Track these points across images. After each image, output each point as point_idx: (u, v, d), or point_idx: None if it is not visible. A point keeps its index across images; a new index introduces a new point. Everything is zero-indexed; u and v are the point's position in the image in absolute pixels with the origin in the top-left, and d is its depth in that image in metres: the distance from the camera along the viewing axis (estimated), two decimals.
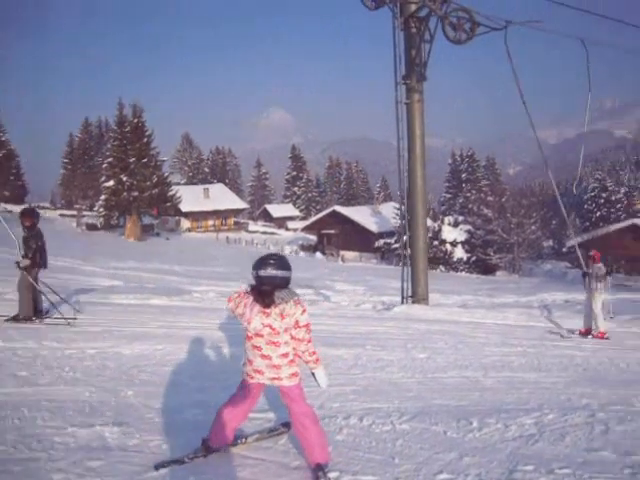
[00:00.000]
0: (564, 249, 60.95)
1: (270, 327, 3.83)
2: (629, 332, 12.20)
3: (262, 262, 3.82)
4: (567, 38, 14.74)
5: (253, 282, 3.87)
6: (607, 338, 11.23)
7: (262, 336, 3.87)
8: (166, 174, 55.22)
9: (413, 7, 14.69)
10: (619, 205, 67.24)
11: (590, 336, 11.48)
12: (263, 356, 3.89)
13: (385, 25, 15.12)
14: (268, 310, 3.81)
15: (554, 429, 5.04)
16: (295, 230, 76.78)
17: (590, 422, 5.24)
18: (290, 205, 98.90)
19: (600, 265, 11.74)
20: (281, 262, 3.83)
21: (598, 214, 65.81)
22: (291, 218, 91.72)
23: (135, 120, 51.05)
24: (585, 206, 69.86)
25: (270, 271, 3.78)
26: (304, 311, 3.84)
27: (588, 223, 66.70)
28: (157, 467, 3.89)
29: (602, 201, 66.43)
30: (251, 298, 3.87)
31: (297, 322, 3.83)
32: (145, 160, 50.52)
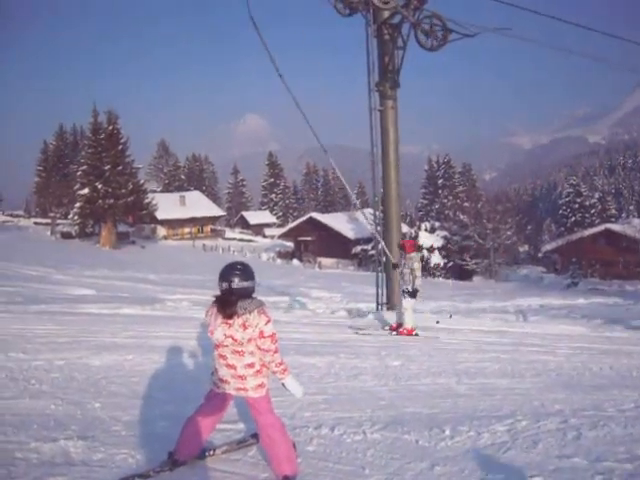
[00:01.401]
0: (539, 254, 61.74)
1: (232, 338, 3.77)
2: (601, 336, 12.28)
3: (230, 273, 3.75)
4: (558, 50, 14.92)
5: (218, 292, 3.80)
6: (416, 335, 10.65)
7: (227, 346, 3.81)
8: (142, 181, 54.70)
9: (386, 14, 14.74)
10: (593, 210, 68.19)
11: (395, 332, 10.87)
12: (228, 365, 3.83)
13: (359, 32, 15.17)
14: (230, 321, 3.75)
15: (527, 436, 5.01)
16: (272, 237, 76.59)
17: (562, 428, 5.22)
18: (267, 212, 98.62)
19: (412, 255, 10.76)
20: (246, 272, 3.78)
21: (573, 219, 66.68)
22: (268, 225, 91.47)
23: (110, 127, 50.55)
24: (560, 211, 70.81)
25: (240, 283, 3.72)
26: (268, 321, 3.76)
27: (563, 228, 67.61)
28: None
29: (577, 206, 67.31)
30: (215, 308, 3.81)
31: (262, 332, 3.74)
32: (120, 167, 50.02)
